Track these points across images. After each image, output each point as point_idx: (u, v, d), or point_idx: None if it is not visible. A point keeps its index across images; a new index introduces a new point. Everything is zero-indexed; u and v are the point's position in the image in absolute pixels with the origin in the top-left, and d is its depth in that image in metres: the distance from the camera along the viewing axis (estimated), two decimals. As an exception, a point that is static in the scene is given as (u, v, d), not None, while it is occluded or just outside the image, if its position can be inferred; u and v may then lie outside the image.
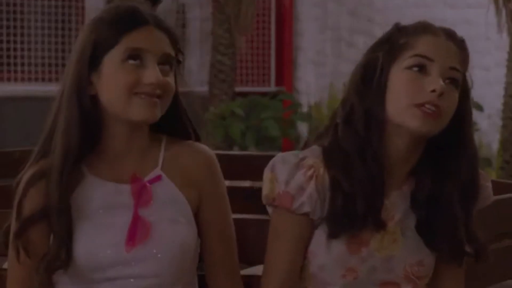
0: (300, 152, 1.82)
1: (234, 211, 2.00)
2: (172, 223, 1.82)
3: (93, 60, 1.80)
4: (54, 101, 1.84)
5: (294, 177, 1.78)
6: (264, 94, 9.16)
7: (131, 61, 1.78)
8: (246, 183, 3.14)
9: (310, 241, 1.81)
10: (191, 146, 1.90)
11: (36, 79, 8.89)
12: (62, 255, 1.77)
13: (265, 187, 1.81)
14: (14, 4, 8.80)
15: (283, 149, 8.51)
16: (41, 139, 1.85)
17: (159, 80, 1.78)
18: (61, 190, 1.78)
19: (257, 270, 1.89)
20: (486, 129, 9.40)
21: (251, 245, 1.91)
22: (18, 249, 1.80)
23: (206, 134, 8.02)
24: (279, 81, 10.02)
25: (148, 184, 1.83)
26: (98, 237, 1.79)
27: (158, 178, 1.84)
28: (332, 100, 9.01)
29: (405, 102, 1.75)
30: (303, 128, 9.20)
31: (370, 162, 1.76)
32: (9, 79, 8.80)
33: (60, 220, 1.77)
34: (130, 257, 1.79)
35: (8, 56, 8.80)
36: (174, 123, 1.89)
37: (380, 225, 1.78)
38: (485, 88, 10.34)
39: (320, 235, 1.80)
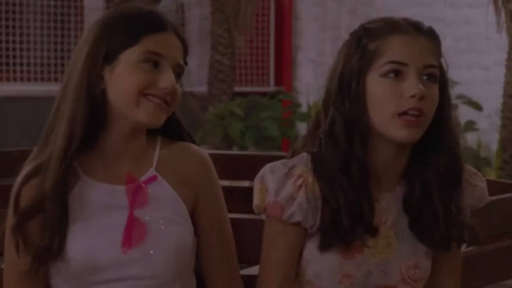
0: (288, 161, 1.81)
1: (233, 211, 1.99)
2: (168, 223, 1.82)
3: (107, 54, 1.79)
4: (55, 98, 1.84)
5: (284, 187, 1.77)
6: (263, 94, 9.16)
7: (148, 64, 1.78)
8: (246, 183, 3.14)
9: (304, 249, 1.81)
10: (185, 146, 1.90)
11: (35, 79, 8.88)
12: (54, 246, 1.76)
13: (256, 197, 1.81)
14: (13, 4, 8.80)
15: (282, 149, 8.51)
16: (41, 136, 1.85)
17: (173, 87, 1.79)
18: (59, 179, 1.77)
19: (257, 269, 1.89)
20: (486, 129, 9.40)
21: (250, 244, 1.91)
22: (18, 243, 1.79)
23: (205, 134, 8.02)
24: (279, 81, 10.01)
25: (143, 185, 1.83)
26: (94, 239, 1.78)
27: (153, 178, 1.84)
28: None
29: (388, 112, 1.73)
30: (302, 128, 9.20)
31: (355, 175, 1.74)
32: (8, 79, 8.80)
33: (54, 208, 1.76)
34: (126, 258, 1.78)
35: (7, 56, 8.80)
36: (168, 124, 1.88)
37: (371, 232, 1.77)
38: (485, 87, 10.35)
39: (313, 244, 1.79)
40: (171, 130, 1.91)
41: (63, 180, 1.78)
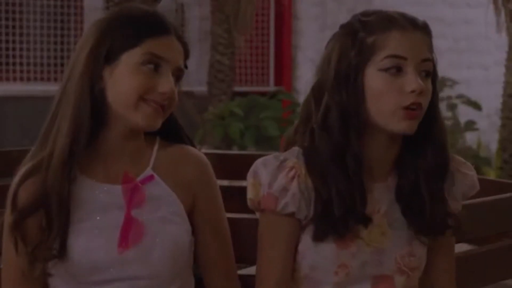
0: (280, 154, 1.82)
1: (232, 211, 1.99)
2: (166, 223, 1.81)
3: (108, 54, 1.79)
4: (54, 97, 1.84)
5: (276, 179, 1.78)
6: (263, 93, 9.16)
7: (148, 65, 1.78)
8: (245, 183, 3.14)
9: (299, 242, 1.81)
10: (183, 149, 1.90)
11: (35, 79, 8.89)
12: (57, 245, 1.76)
13: (249, 192, 1.82)
14: (13, 4, 8.80)
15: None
16: (40, 135, 1.84)
17: (173, 91, 1.79)
18: (64, 178, 1.77)
19: (255, 269, 1.89)
20: (485, 129, 9.41)
21: (249, 244, 1.91)
22: (16, 241, 1.79)
23: (205, 134, 8.02)
24: (278, 80, 10.01)
25: (140, 185, 1.82)
26: (91, 239, 1.78)
27: (150, 178, 1.84)
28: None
29: (390, 106, 1.76)
30: (302, 128, 9.19)
31: (350, 166, 1.76)
32: (8, 79, 8.80)
33: (60, 208, 1.76)
34: (123, 258, 1.78)
35: (7, 56, 8.80)
36: (167, 127, 1.88)
37: (364, 222, 1.79)
38: (484, 87, 10.35)
39: (307, 235, 1.80)
40: (170, 133, 1.91)
41: (67, 179, 1.78)
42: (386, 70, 1.76)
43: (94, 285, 1.79)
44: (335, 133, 1.77)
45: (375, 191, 1.82)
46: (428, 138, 1.82)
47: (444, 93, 8.54)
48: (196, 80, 9.03)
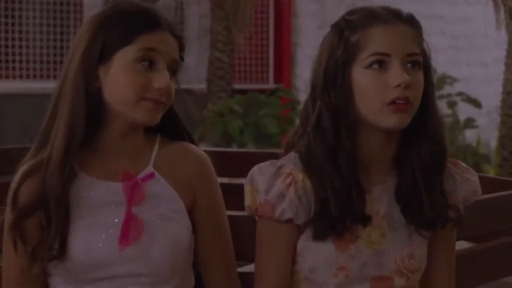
0: (276, 161, 1.82)
1: (232, 208, 1.99)
2: (166, 220, 1.82)
3: (102, 53, 1.79)
4: (52, 96, 1.84)
5: (273, 185, 1.78)
6: (262, 91, 9.16)
7: (143, 63, 1.78)
8: (245, 180, 3.14)
9: (298, 243, 1.81)
10: (184, 146, 1.90)
11: (34, 76, 8.88)
12: (56, 244, 1.77)
13: (247, 199, 1.82)
14: (13, 1, 8.79)
15: (281, 146, 8.49)
16: (39, 133, 1.84)
17: (169, 86, 1.79)
18: (62, 179, 1.77)
19: (254, 268, 1.89)
20: (485, 126, 9.40)
21: (249, 242, 1.91)
22: (15, 240, 1.79)
23: (204, 131, 8.02)
24: (278, 78, 10.01)
25: (140, 182, 1.83)
26: (91, 236, 1.78)
27: (150, 175, 1.84)
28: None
29: (376, 103, 1.75)
30: (301, 125, 9.18)
31: (343, 166, 1.76)
32: (7, 76, 8.80)
33: (56, 207, 1.77)
34: (123, 255, 1.78)
35: (7, 53, 8.79)
36: (167, 123, 1.88)
37: (362, 221, 1.78)
38: (484, 85, 10.35)
39: (307, 238, 1.80)
40: (171, 129, 1.91)
41: (65, 179, 1.78)
42: (370, 67, 1.76)
43: (94, 282, 1.79)
44: (328, 133, 1.77)
45: (374, 192, 1.82)
46: (423, 131, 1.80)
47: (444, 90, 8.53)
48: (196, 77, 9.03)
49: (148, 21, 1.80)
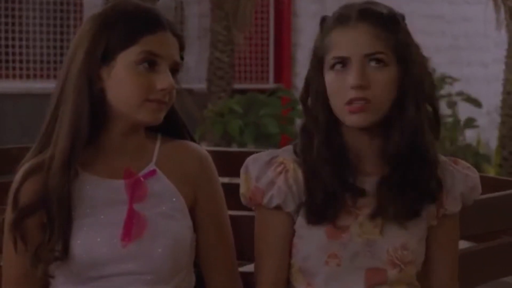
0: (273, 151, 1.88)
1: (233, 208, 1.99)
2: (168, 218, 1.82)
3: (104, 54, 1.79)
4: (52, 96, 1.84)
5: (265, 173, 1.83)
6: (262, 91, 9.16)
7: (145, 65, 1.79)
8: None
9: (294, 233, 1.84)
10: (185, 144, 1.91)
11: (35, 76, 8.88)
12: (59, 246, 1.77)
13: (241, 187, 1.86)
14: (12, 1, 8.79)
15: (281, 146, 8.49)
16: (40, 133, 1.85)
17: (172, 86, 1.80)
18: (64, 179, 1.78)
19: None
20: (485, 126, 9.40)
21: (250, 242, 1.91)
22: (16, 240, 1.79)
23: (204, 131, 8.02)
24: (278, 78, 10.01)
25: (142, 179, 1.83)
26: (93, 233, 1.79)
27: (152, 173, 1.84)
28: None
29: (338, 102, 1.79)
30: (301, 125, 9.18)
31: (330, 161, 1.80)
32: (7, 76, 8.80)
33: (58, 209, 1.77)
34: (125, 253, 1.78)
35: (6, 53, 8.79)
36: (168, 122, 1.89)
37: (358, 194, 1.81)
38: (484, 85, 10.35)
39: (299, 226, 1.83)
40: (172, 128, 1.91)
41: (68, 181, 1.78)
42: (333, 68, 1.80)
43: (95, 279, 1.79)
44: (311, 132, 1.83)
45: (367, 184, 1.83)
46: (399, 124, 1.81)
47: (444, 90, 8.54)
48: (196, 77, 9.03)
49: (150, 22, 1.80)
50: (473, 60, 10.68)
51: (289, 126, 8.50)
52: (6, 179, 2.31)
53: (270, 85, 9.86)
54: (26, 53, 8.85)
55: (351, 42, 1.79)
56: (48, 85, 8.30)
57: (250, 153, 3.37)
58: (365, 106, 1.77)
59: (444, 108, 8.49)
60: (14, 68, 8.82)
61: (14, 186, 1.82)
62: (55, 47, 8.94)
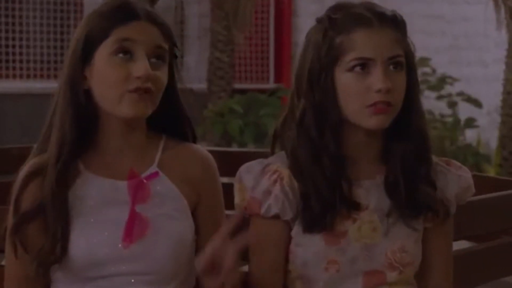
0: (264, 159, 1.85)
1: (232, 208, 1.99)
2: (170, 220, 1.82)
3: (86, 54, 1.80)
4: (53, 97, 1.84)
5: (259, 183, 1.81)
6: (262, 91, 9.16)
7: (120, 55, 1.78)
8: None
9: (291, 240, 1.82)
10: (189, 147, 1.91)
11: (35, 76, 8.89)
12: (57, 250, 1.77)
13: (236, 197, 1.84)
14: (13, 1, 8.79)
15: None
16: (40, 135, 1.85)
17: (149, 73, 1.77)
18: (56, 186, 1.78)
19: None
20: (485, 126, 9.40)
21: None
22: (16, 245, 1.79)
23: (204, 131, 8.02)
24: (278, 77, 10.01)
25: (144, 181, 1.83)
26: (95, 234, 1.79)
27: (155, 174, 1.84)
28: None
29: (358, 105, 1.78)
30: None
31: (326, 165, 1.79)
32: (7, 76, 8.80)
33: (54, 215, 1.77)
34: (127, 254, 1.78)
35: (7, 53, 8.79)
36: (172, 121, 1.89)
37: (352, 208, 1.80)
38: (484, 85, 10.35)
39: (297, 233, 1.81)
40: (175, 128, 1.91)
41: (61, 185, 1.78)
42: (353, 70, 1.78)
43: (96, 279, 1.79)
44: (311, 132, 1.80)
45: (363, 187, 1.83)
46: (407, 128, 1.83)
47: (444, 90, 8.54)
48: (196, 77, 9.03)
49: (122, 14, 1.80)
50: (473, 60, 10.68)
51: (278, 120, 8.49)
52: (6, 179, 2.31)
53: (270, 85, 9.86)
54: (26, 53, 8.86)
55: (376, 44, 1.77)
56: (48, 85, 8.31)
57: (250, 153, 3.38)
58: (388, 109, 1.77)
59: (444, 108, 8.49)
60: (14, 68, 8.82)
61: (14, 191, 1.82)
62: (55, 47, 8.94)
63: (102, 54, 1.78)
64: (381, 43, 1.78)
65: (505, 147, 7.38)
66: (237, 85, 9.04)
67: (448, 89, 8.64)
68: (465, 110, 8.70)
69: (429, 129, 1.87)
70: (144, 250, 1.79)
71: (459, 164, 1.93)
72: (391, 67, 1.79)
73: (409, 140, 1.83)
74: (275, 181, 1.80)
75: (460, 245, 2.29)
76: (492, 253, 2.44)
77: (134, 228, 1.79)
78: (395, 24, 1.81)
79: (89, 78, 1.80)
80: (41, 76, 8.88)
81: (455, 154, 7.59)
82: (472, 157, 8.02)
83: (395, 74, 1.79)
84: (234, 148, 7.43)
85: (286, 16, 9.97)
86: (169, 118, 1.88)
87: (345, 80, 1.78)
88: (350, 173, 1.81)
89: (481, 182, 1.96)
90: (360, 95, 1.77)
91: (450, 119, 8.43)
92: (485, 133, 9.34)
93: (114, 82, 1.77)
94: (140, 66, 1.76)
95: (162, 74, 1.81)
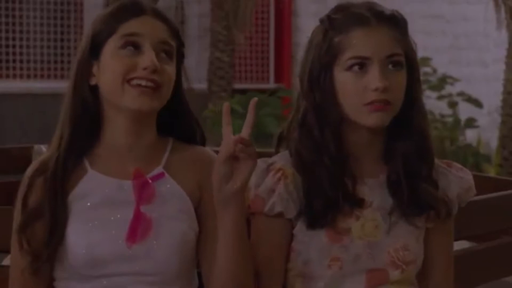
0: (268, 158, 1.86)
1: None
2: (174, 221, 1.82)
3: (93, 51, 1.82)
4: (59, 96, 1.88)
5: (263, 181, 1.82)
6: (263, 91, 9.15)
7: (128, 48, 1.80)
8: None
9: (293, 237, 1.83)
10: (196, 149, 1.92)
11: (35, 76, 8.88)
12: (49, 247, 1.78)
13: None
14: (13, 1, 8.79)
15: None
16: (55, 133, 1.87)
17: (155, 64, 1.79)
18: (52, 181, 1.79)
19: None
20: (485, 126, 9.40)
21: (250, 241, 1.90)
22: (22, 242, 1.80)
23: (205, 131, 8.01)
24: (278, 77, 10.01)
25: (150, 181, 1.83)
26: (98, 232, 1.79)
27: (160, 175, 1.85)
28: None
29: (355, 103, 1.79)
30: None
31: (328, 164, 1.80)
32: (7, 76, 8.80)
33: (50, 210, 1.78)
34: (130, 253, 1.79)
35: (7, 53, 8.79)
36: (181, 123, 1.90)
37: (357, 204, 1.81)
38: (484, 85, 10.35)
39: (299, 231, 1.82)
40: (183, 129, 1.91)
41: (58, 180, 1.79)
42: (350, 69, 1.79)
43: (98, 278, 1.80)
44: (313, 131, 1.81)
45: (366, 185, 1.84)
46: (408, 127, 1.84)
47: (445, 90, 8.54)
48: (196, 77, 9.02)
49: (128, 10, 1.84)
50: (473, 60, 10.67)
51: (284, 122, 8.50)
52: (7, 178, 2.31)
53: (271, 85, 9.86)
54: (26, 53, 8.85)
55: (373, 43, 1.79)
56: (48, 85, 8.32)
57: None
58: (386, 107, 1.78)
59: (444, 108, 8.49)
60: (14, 68, 8.82)
61: (22, 189, 1.83)
62: (55, 47, 8.94)
63: (110, 49, 1.81)
64: (379, 41, 1.79)
65: (505, 147, 7.38)
66: (237, 85, 9.04)
67: (448, 89, 8.64)
68: (465, 110, 8.70)
69: (430, 129, 1.88)
70: (148, 250, 1.79)
71: (460, 166, 1.94)
72: (390, 66, 1.79)
73: (410, 140, 1.84)
74: (278, 180, 1.81)
75: (460, 245, 2.29)
76: (492, 253, 2.44)
77: (138, 228, 1.79)
78: (394, 23, 1.82)
79: (97, 74, 1.82)
80: (41, 76, 8.88)
81: (455, 154, 7.59)
82: (472, 157, 8.02)
83: (393, 73, 1.79)
84: (234, 148, 7.41)
85: (286, 16, 9.97)
86: (178, 120, 1.89)
87: (343, 79, 1.79)
88: (354, 171, 1.82)
89: (482, 182, 1.96)
90: (358, 94, 1.78)
91: (450, 119, 8.43)
92: (485, 133, 9.33)
93: (119, 73, 1.79)
94: (146, 57, 1.78)
95: (170, 68, 1.83)
